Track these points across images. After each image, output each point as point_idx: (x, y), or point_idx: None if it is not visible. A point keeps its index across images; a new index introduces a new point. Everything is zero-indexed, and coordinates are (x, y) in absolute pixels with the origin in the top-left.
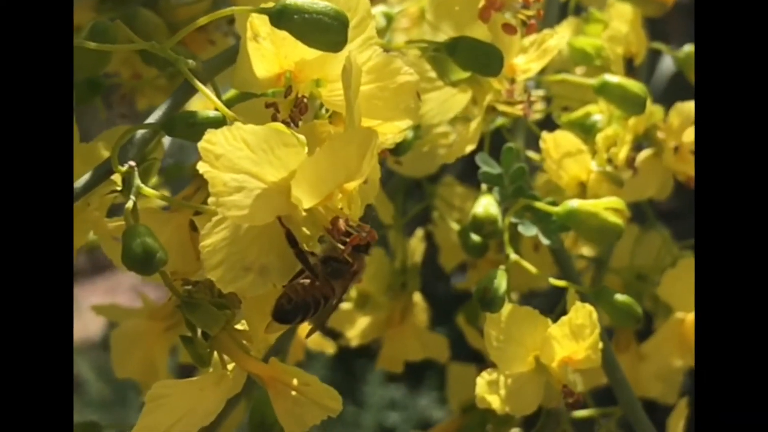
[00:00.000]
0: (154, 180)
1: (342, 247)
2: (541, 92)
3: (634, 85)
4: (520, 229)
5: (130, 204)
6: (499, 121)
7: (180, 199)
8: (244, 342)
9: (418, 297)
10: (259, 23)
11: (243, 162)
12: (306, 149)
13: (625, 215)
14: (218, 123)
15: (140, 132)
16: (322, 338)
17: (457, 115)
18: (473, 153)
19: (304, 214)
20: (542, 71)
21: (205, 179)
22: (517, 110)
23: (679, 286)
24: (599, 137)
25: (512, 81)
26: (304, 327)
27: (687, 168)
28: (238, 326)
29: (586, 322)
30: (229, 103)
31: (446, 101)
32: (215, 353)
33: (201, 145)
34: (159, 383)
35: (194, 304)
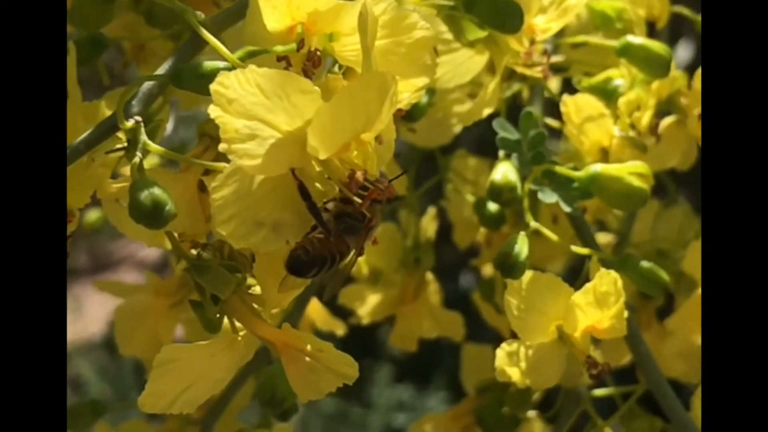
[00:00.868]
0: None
1: (359, 201)
2: (559, 57)
3: (658, 46)
4: (540, 196)
5: (136, 160)
6: (517, 86)
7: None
8: (256, 306)
9: (431, 276)
10: None
11: (256, 108)
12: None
13: (650, 181)
14: None
15: (146, 87)
16: (331, 318)
17: (473, 79)
18: (488, 122)
19: (318, 169)
20: (560, 34)
21: (213, 139)
22: (536, 72)
23: None
24: (622, 101)
25: (531, 41)
26: (314, 308)
27: None
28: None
29: (610, 290)
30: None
31: (462, 64)
32: (225, 319)
33: (213, 87)
34: (167, 347)
35: (204, 267)
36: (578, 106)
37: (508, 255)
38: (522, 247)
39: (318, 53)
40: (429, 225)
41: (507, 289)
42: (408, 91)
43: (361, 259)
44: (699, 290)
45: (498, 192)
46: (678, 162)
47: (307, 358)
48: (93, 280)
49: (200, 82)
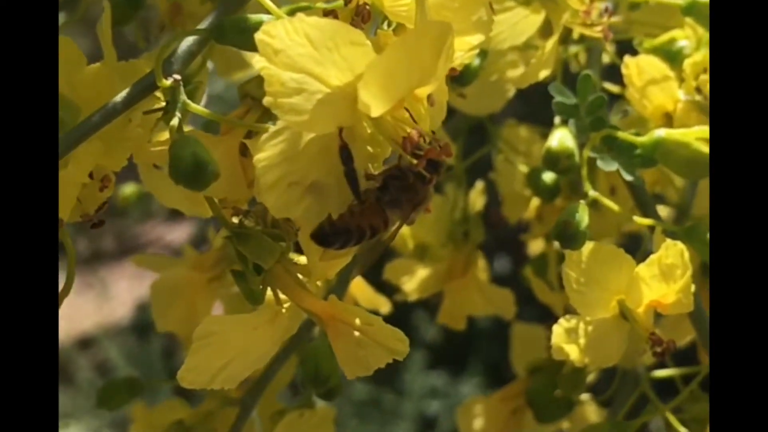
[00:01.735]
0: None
1: (415, 161)
2: (619, 18)
3: None
4: (600, 164)
5: (175, 121)
6: (573, 49)
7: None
8: (301, 277)
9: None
10: None
11: (304, 60)
12: None
13: None
14: None
15: (186, 44)
16: (375, 294)
17: (527, 41)
18: (537, 96)
19: (369, 130)
20: None
21: (255, 101)
22: (595, 32)
23: None
24: (687, 63)
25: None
26: (358, 284)
27: None
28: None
29: (677, 262)
30: None
31: (517, 23)
32: (269, 291)
33: (258, 37)
34: (209, 318)
35: (246, 235)
36: (641, 68)
37: (568, 223)
38: (583, 215)
39: (367, 7)
40: (477, 199)
41: (566, 261)
42: (461, 49)
43: (406, 232)
44: None
45: (554, 159)
46: None
47: (356, 333)
48: (119, 264)
49: (244, 37)
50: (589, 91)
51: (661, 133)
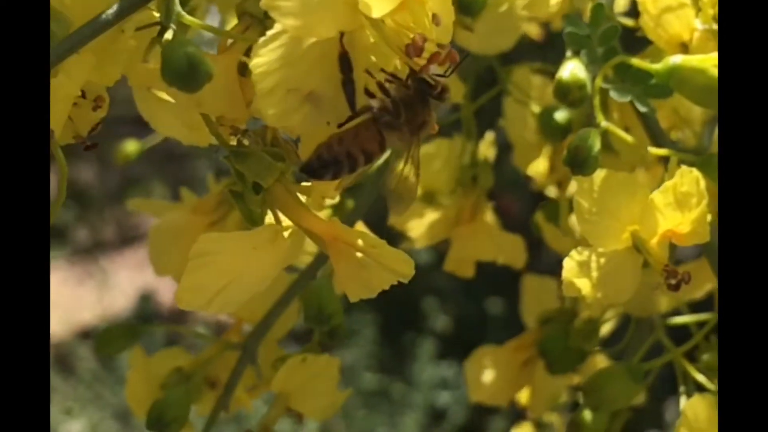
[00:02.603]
0: None
1: (419, 65)
2: None
3: None
4: (613, 94)
5: (169, 34)
6: None
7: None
8: (302, 198)
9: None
10: None
11: None
12: None
13: None
14: None
15: None
16: None
17: None
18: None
19: (372, 39)
20: None
21: (254, 18)
22: None
23: None
24: None
25: None
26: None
27: None
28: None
29: (692, 190)
30: None
31: None
32: (269, 214)
33: None
34: (205, 236)
35: (245, 153)
36: None
37: (580, 148)
38: (594, 140)
39: None
40: (487, 150)
41: (576, 190)
42: None
43: None
44: None
45: (565, 91)
46: None
47: (358, 254)
48: (120, 253)
49: None
50: (602, 20)
51: (677, 59)
